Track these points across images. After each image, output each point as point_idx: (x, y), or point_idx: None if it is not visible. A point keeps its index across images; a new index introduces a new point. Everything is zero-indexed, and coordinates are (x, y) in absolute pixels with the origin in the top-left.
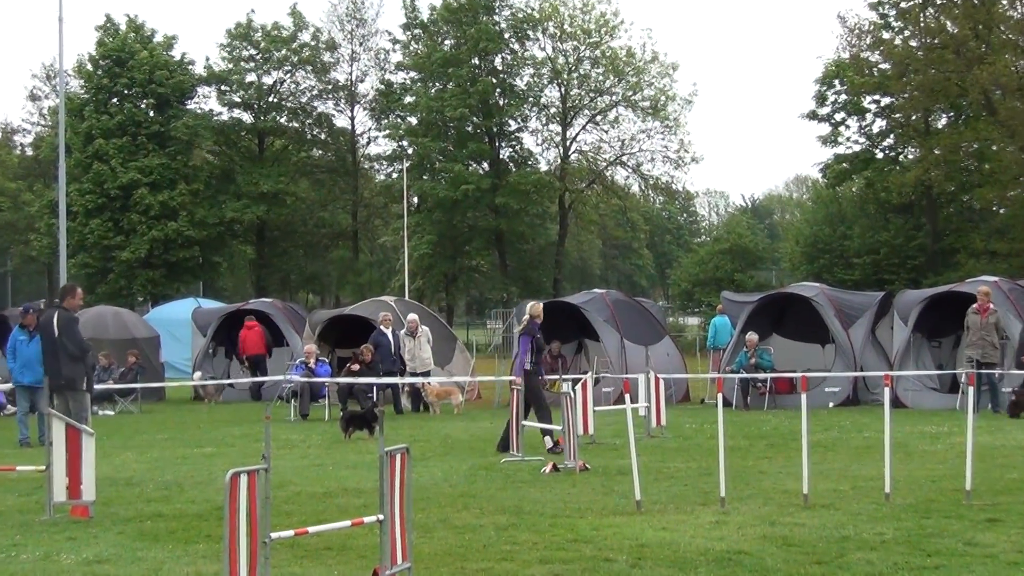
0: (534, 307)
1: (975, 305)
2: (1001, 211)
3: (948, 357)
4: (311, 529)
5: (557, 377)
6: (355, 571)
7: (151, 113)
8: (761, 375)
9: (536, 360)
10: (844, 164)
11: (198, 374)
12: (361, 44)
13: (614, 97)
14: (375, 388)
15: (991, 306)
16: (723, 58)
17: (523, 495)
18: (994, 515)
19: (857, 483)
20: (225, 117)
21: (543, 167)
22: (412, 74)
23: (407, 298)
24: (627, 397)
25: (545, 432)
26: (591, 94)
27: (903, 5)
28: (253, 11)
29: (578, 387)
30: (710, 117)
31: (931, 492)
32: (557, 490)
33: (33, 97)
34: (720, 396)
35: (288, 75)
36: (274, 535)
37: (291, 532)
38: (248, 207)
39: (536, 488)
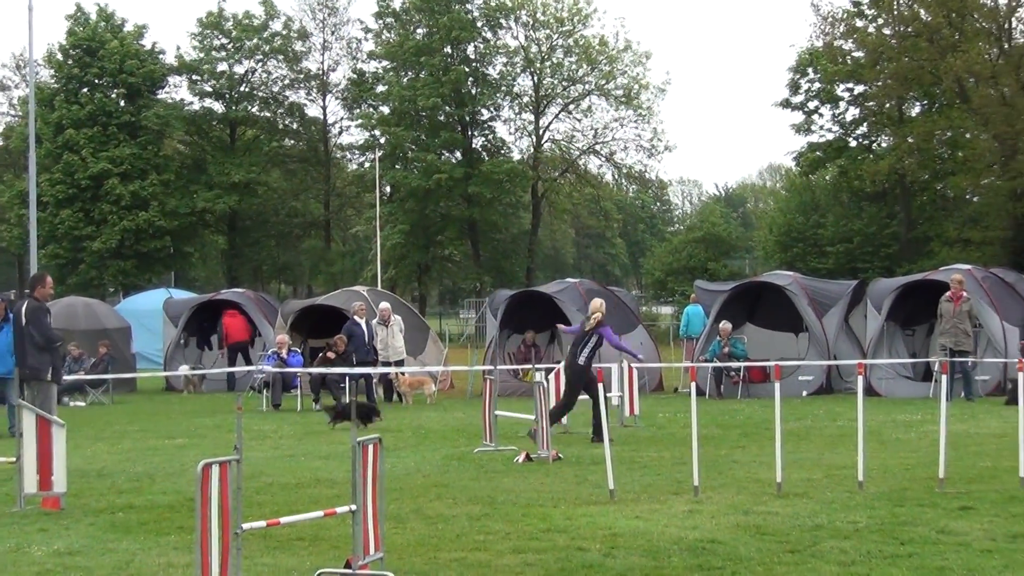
0: (602, 304)
1: (948, 293)
2: (974, 199)
3: (921, 345)
4: (283, 520)
5: (531, 367)
6: (327, 561)
7: (122, 103)
8: (734, 364)
9: (591, 356)
10: (818, 152)
11: (184, 367)
12: (333, 33)
13: (587, 86)
14: (347, 378)
15: (964, 294)
16: (696, 46)
17: (496, 485)
18: (967, 503)
19: (830, 472)
20: (196, 107)
21: (516, 156)
22: (384, 63)
23: (379, 288)
24: (600, 386)
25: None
26: (564, 83)
27: None
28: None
29: (551, 377)
30: (683, 106)
31: (904, 480)
32: (530, 480)
33: (2, 87)
34: (693, 385)
35: (259, 64)
36: (246, 526)
37: (263, 523)
38: (220, 197)
39: (509, 478)
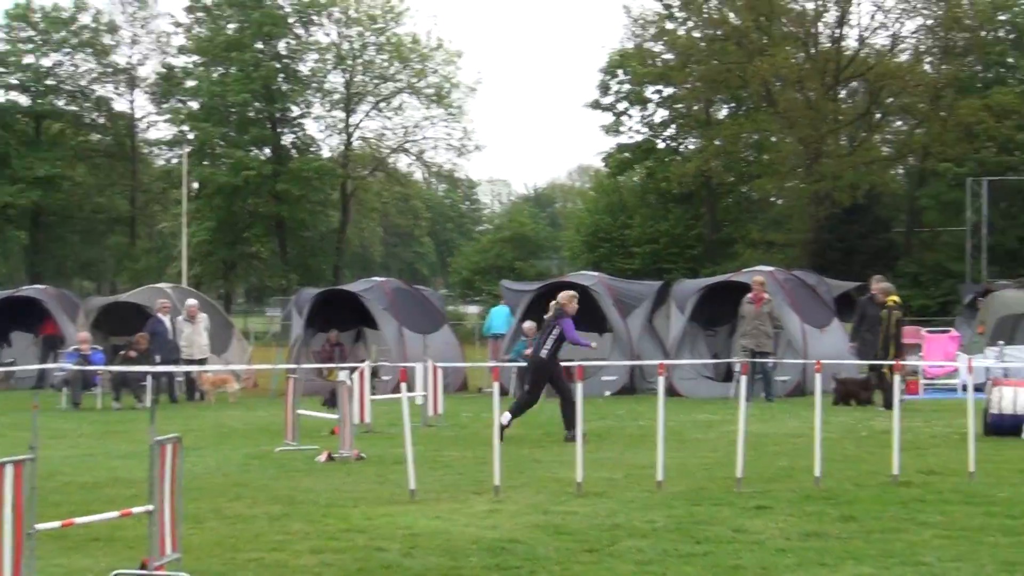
0: (568, 296)
1: (750, 295)
2: (778, 202)
3: (723, 346)
4: (78, 520)
5: (334, 366)
6: (123, 562)
7: None
8: None
9: (555, 350)
10: (626, 154)
11: None
12: (143, 27)
13: (398, 84)
14: (150, 376)
15: (765, 296)
16: (508, 46)
17: (297, 484)
18: (763, 502)
19: (631, 471)
20: (1, 99)
21: (326, 154)
22: (194, 58)
23: (184, 285)
24: (403, 386)
25: (569, 424)
26: (375, 80)
27: None
28: None
29: (355, 375)
30: (494, 105)
31: (703, 480)
32: (331, 479)
33: None
34: (496, 385)
35: (67, 57)
36: (39, 526)
37: (58, 523)
38: (23, 192)
39: (310, 477)
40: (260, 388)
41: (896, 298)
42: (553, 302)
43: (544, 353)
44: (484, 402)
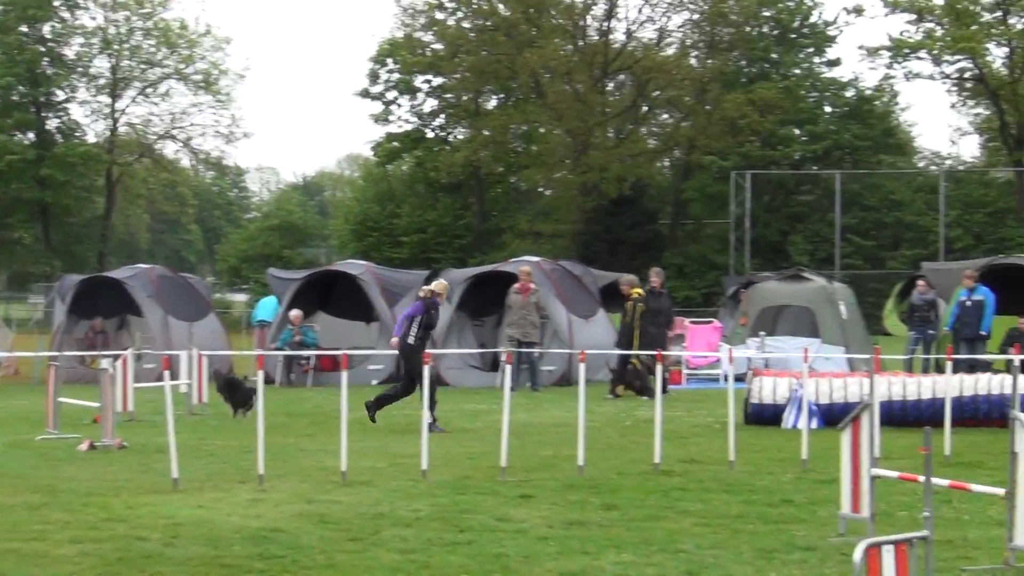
0: (443, 286)
1: (516, 285)
2: (547, 193)
3: (490, 335)
4: None
5: (97, 353)
6: None
7: None
8: (305, 352)
9: (422, 336)
10: (395, 143)
11: None
12: None
13: (166, 69)
14: None
15: (532, 286)
16: (277, 33)
17: (58, 473)
18: (527, 491)
19: (396, 460)
20: None
21: (91, 139)
22: None
23: None
24: (166, 374)
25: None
26: (142, 66)
27: None
28: None
29: (118, 363)
30: (263, 92)
31: (467, 469)
32: (93, 468)
33: None
34: (261, 373)
35: None
36: None
37: None
38: None
39: (72, 466)
40: (21, 376)
41: (640, 291)
42: (425, 288)
43: (411, 339)
44: None
